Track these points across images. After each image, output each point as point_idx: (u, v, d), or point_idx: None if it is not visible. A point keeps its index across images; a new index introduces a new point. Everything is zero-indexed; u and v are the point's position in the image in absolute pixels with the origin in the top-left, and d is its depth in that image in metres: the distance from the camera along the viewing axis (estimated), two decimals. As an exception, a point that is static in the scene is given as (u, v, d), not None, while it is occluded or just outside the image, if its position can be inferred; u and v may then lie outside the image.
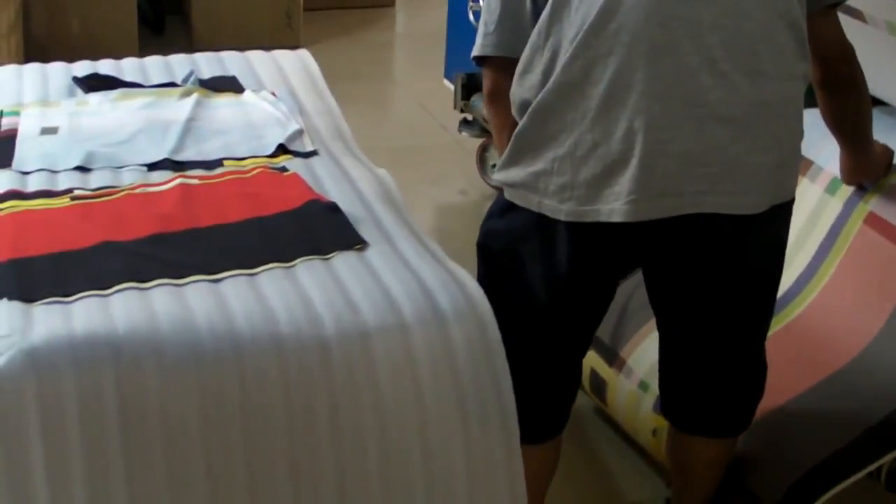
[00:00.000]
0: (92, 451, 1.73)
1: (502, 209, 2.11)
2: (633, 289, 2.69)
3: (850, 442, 2.35)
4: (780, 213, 2.07)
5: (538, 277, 2.08)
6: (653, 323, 2.62)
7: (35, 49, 4.71)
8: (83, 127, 2.49)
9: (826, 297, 2.63)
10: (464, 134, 4.36)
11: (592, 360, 2.81)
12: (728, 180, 1.95)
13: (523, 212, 2.04)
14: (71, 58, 2.94)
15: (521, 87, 2.03)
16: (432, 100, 4.93)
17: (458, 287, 1.92)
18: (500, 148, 2.14)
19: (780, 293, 2.28)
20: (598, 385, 2.82)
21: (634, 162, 1.91)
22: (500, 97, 2.12)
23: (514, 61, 2.05)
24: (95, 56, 2.99)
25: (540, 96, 1.96)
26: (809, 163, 2.70)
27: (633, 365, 2.72)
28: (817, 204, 2.65)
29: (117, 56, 2.99)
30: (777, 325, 2.58)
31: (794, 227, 2.26)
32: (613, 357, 2.78)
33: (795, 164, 2.07)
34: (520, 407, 1.90)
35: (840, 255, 2.63)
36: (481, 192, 4.34)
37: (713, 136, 1.92)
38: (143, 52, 4.65)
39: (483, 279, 2.12)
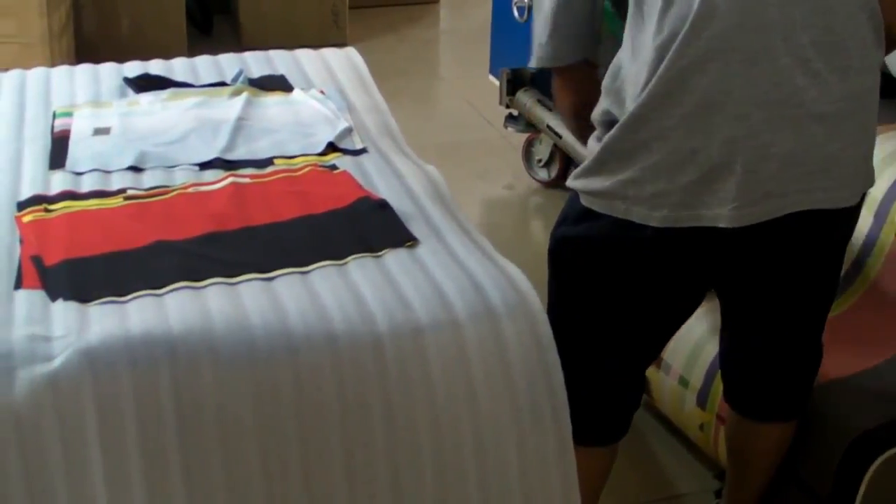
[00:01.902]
0: (149, 450, 1.74)
1: (579, 216, 2.09)
2: None
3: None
4: (861, 201, 2.10)
5: (620, 284, 2.08)
6: None
7: (86, 49, 4.76)
8: (135, 127, 2.51)
9: (864, 304, 2.66)
10: (509, 129, 4.36)
11: None
12: (826, 176, 1.96)
13: (605, 218, 2.03)
14: (121, 58, 2.96)
15: (607, 99, 2.03)
16: (477, 95, 4.93)
17: (509, 283, 1.93)
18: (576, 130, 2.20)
19: None
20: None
21: (738, 168, 1.91)
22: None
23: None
24: (145, 56, 3.02)
25: (633, 108, 1.94)
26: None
27: (670, 360, 2.72)
28: None
29: (167, 56, 3.01)
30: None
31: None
32: None
33: (873, 151, 2.09)
34: (589, 409, 1.90)
35: (877, 267, 2.65)
36: (527, 187, 4.35)
37: (811, 135, 1.92)
38: (191, 52, 4.69)
39: (556, 286, 2.13)
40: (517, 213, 4.28)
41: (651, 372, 2.77)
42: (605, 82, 2.06)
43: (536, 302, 1.90)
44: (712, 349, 2.59)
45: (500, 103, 4.29)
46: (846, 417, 2.40)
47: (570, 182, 2.10)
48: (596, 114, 2.08)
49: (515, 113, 4.28)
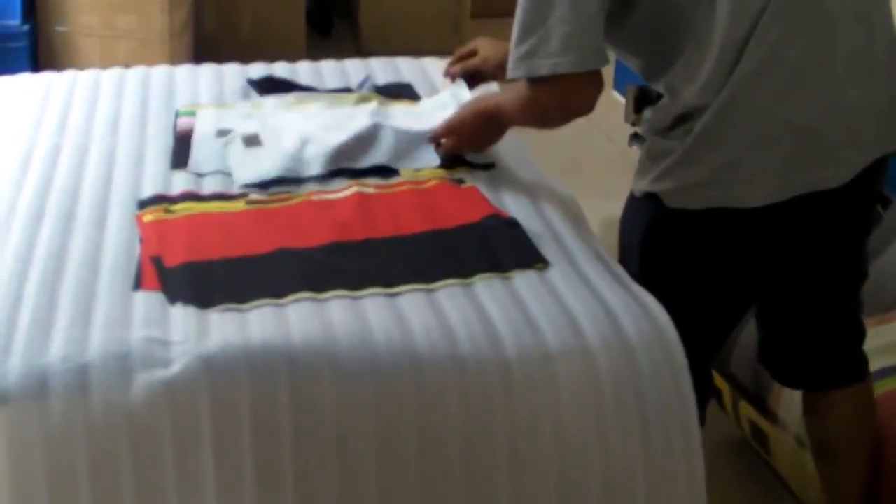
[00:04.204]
0: (263, 461, 1.70)
1: (663, 220, 2.03)
2: None
3: None
4: None
5: (715, 275, 2.05)
6: None
7: (204, 47, 4.76)
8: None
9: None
10: (634, 147, 4.27)
11: (748, 411, 2.72)
12: (891, 119, 2.02)
13: (696, 215, 1.98)
14: (238, 56, 2.94)
15: (687, 94, 1.94)
16: (598, 111, 4.81)
17: (644, 311, 1.84)
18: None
19: None
20: (760, 437, 2.71)
21: (834, 126, 1.92)
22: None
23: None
24: (263, 56, 2.98)
25: (725, 92, 1.90)
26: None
27: (785, 417, 2.59)
28: None
29: (283, 56, 2.97)
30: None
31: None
32: (764, 408, 2.66)
33: None
34: None
35: None
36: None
37: (878, 82, 1.98)
38: (309, 53, 4.66)
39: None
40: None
41: (768, 428, 2.65)
42: (662, 77, 1.98)
43: (672, 332, 1.81)
44: None
45: (626, 121, 4.19)
46: None
47: (652, 186, 2.03)
48: (669, 111, 2.00)
49: (641, 131, 4.18)
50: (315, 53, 3.84)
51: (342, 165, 2.29)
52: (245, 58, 2.93)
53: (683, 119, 1.95)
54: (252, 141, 2.37)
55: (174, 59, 4.17)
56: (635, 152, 4.36)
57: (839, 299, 2.20)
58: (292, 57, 2.99)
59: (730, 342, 2.63)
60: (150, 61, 3.15)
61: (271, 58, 2.94)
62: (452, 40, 5.38)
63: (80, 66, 3.01)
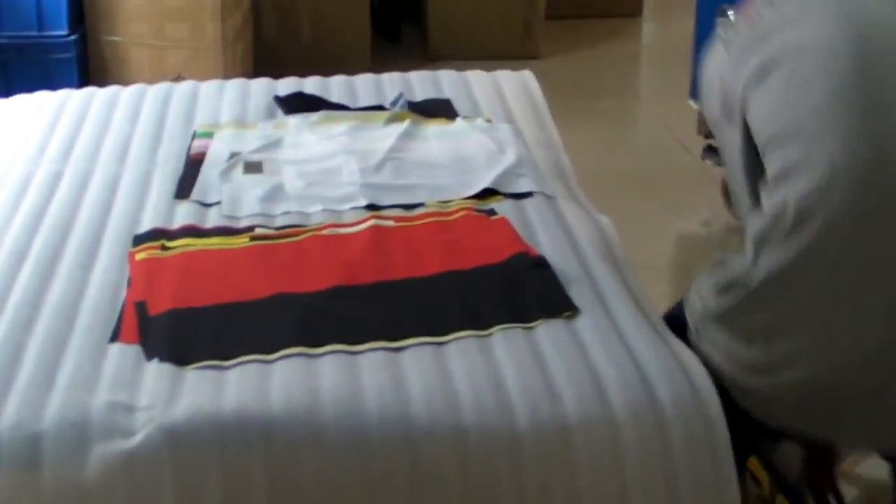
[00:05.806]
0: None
1: None
2: None
3: None
4: None
5: None
6: None
7: (265, 54, 4.58)
8: (280, 159, 2.25)
9: None
10: (707, 162, 4.00)
11: None
12: None
13: None
14: (301, 63, 2.80)
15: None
16: (677, 119, 4.54)
17: (682, 373, 1.59)
18: None
19: None
20: None
21: None
22: None
23: None
24: (326, 63, 2.85)
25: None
26: None
27: None
28: None
29: (348, 63, 2.82)
30: None
31: None
32: None
33: None
34: None
35: None
36: (726, 225, 3.97)
37: None
38: (375, 60, 4.47)
39: None
40: (713, 254, 3.90)
41: None
42: None
43: (714, 400, 1.56)
44: None
45: (698, 132, 3.92)
46: None
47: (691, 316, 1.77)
48: None
49: (715, 144, 3.91)
50: (382, 60, 3.64)
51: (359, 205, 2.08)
52: (307, 65, 2.81)
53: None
54: (253, 168, 2.17)
55: (228, 69, 3.98)
56: (710, 166, 4.10)
57: None
58: (357, 64, 2.81)
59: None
60: (203, 71, 3.00)
61: (335, 65, 2.79)
62: (525, 44, 5.16)
63: (130, 78, 2.88)
